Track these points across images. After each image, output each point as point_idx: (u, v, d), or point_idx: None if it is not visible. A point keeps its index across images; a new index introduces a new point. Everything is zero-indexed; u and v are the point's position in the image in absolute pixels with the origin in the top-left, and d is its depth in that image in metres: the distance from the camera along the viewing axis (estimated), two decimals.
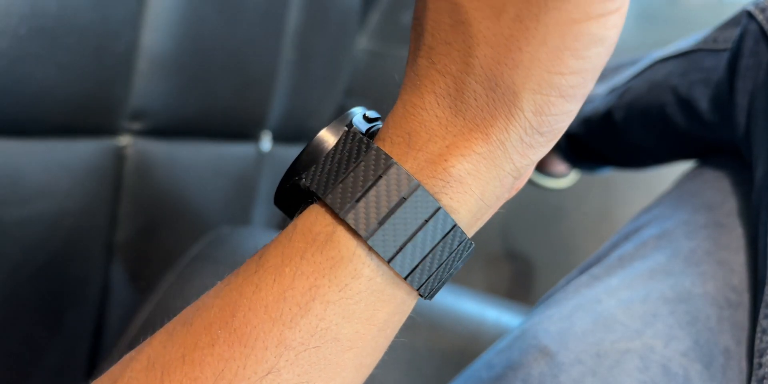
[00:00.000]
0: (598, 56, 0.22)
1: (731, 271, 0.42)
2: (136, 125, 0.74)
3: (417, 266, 0.24)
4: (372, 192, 0.23)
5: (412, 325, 0.56)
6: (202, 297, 0.26)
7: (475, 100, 0.23)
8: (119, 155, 0.73)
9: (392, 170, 0.23)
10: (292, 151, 1.04)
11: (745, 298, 0.41)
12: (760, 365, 0.38)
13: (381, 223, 0.23)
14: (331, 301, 0.23)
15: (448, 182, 0.23)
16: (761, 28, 0.44)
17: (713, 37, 0.53)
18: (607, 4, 0.20)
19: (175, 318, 0.25)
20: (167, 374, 0.23)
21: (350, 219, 0.23)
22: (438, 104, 0.23)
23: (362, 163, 0.23)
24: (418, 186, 0.23)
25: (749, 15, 0.45)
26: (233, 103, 0.88)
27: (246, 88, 0.89)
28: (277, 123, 1.00)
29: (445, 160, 0.23)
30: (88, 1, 0.61)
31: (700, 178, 0.49)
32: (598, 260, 0.46)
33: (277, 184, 0.27)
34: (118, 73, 0.69)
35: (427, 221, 0.23)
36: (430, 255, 0.24)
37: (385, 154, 0.23)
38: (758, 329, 0.38)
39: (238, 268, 0.26)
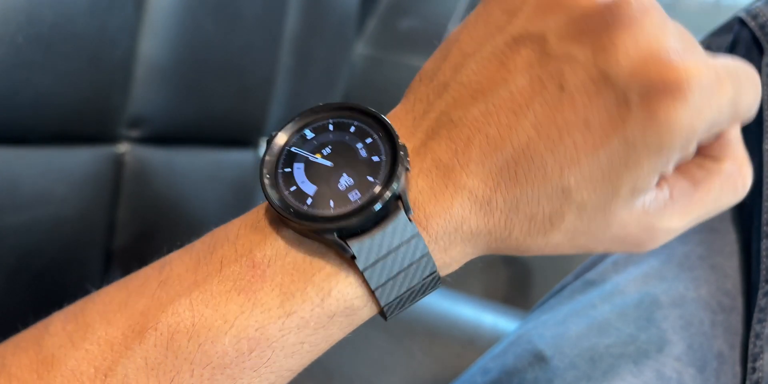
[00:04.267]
0: None
1: (725, 276, 0.42)
2: (134, 132, 0.74)
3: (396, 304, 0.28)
4: (410, 294, 0.27)
5: (410, 330, 0.56)
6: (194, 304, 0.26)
7: (518, 238, 0.27)
8: (117, 162, 0.73)
9: (433, 281, 0.27)
10: None
11: (738, 303, 0.41)
12: (754, 369, 0.38)
13: (402, 307, 0.28)
14: (336, 340, 0.28)
15: (454, 268, 0.29)
16: (753, 34, 0.44)
17: (707, 44, 0.53)
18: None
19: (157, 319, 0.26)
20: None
21: (388, 311, 0.27)
22: (481, 230, 0.27)
23: (414, 267, 0.26)
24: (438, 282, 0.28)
25: (741, 22, 0.45)
26: (231, 109, 0.89)
27: (244, 94, 0.90)
28: (276, 129, 1.00)
29: (462, 262, 0.28)
30: (84, 9, 0.61)
31: None
32: (592, 265, 0.46)
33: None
34: (116, 81, 0.69)
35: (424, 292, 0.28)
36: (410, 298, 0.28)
37: (433, 266, 0.27)
38: (752, 333, 0.39)
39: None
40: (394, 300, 0.27)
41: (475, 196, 0.26)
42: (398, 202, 0.26)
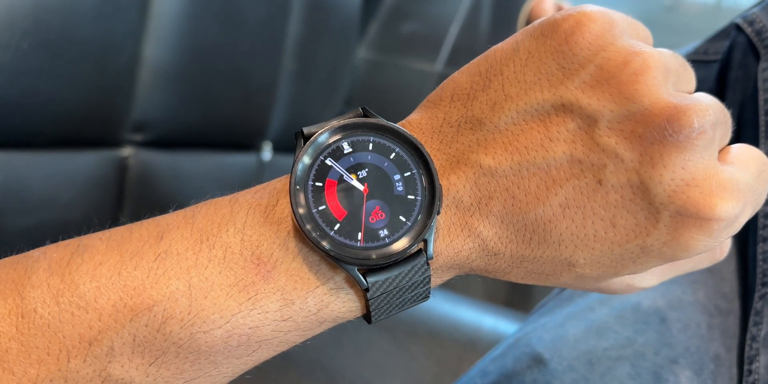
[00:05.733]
0: None
1: (722, 279, 0.43)
2: (138, 136, 0.75)
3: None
4: (399, 311, 0.28)
5: (411, 333, 0.57)
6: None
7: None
8: (121, 166, 0.74)
9: (423, 301, 0.29)
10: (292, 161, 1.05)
11: (735, 306, 0.42)
12: (750, 372, 0.38)
13: (388, 318, 0.28)
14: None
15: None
16: (749, 40, 0.45)
17: (704, 49, 0.54)
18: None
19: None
20: None
21: (375, 321, 0.28)
22: (481, 269, 0.28)
23: (412, 296, 0.27)
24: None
25: (737, 28, 0.46)
26: (234, 113, 0.89)
27: (247, 98, 0.90)
28: (278, 133, 1.01)
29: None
30: (90, 15, 0.62)
31: None
32: None
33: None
34: (121, 85, 0.70)
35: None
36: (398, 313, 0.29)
37: (428, 294, 0.28)
38: (748, 336, 0.39)
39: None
40: (383, 317, 0.28)
41: (486, 245, 0.26)
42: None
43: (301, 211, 0.25)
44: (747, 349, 0.39)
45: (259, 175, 0.99)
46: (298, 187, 0.25)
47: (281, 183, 0.28)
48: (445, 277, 0.28)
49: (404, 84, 1.23)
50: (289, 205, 0.26)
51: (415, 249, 0.26)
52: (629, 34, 0.26)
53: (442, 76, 1.27)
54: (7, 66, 0.56)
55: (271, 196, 0.27)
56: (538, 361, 0.40)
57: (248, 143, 0.96)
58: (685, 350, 0.39)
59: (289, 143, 1.04)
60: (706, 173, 0.24)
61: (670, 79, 0.25)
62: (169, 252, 0.26)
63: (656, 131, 0.24)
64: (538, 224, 0.26)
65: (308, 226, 0.25)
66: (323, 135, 0.26)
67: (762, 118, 0.43)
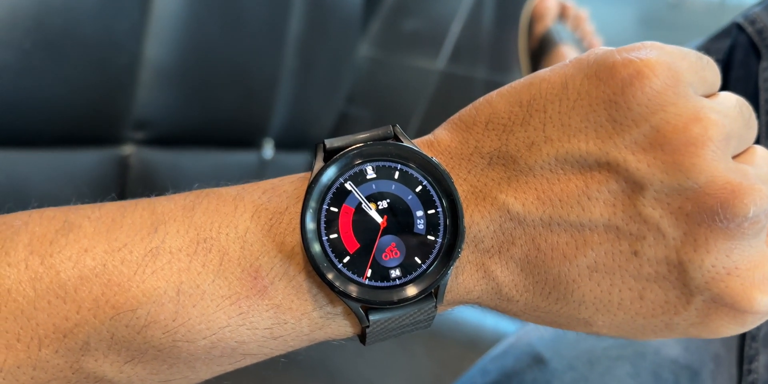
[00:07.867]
0: None
1: None
2: (140, 135, 0.75)
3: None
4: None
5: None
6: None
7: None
8: (123, 164, 0.74)
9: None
10: (293, 159, 1.05)
11: None
12: (750, 371, 0.38)
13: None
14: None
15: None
16: (750, 40, 0.45)
17: (705, 48, 0.54)
18: None
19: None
20: None
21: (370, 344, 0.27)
22: (489, 306, 0.27)
23: (409, 330, 0.26)
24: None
25: (739, 27, 0.46)
26: (235, 111, 0.89)
27: (248, 96, 0.91)
28: (279, 130, 1.01)
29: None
30: (91, 14, 0.62)
31: None
32: None
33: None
34: (122, 84, 0.70)
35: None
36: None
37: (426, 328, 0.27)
38: (747, 336, 0.39)
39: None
40: (378, 341, 0.27)
41: (501, 290, 0.25)
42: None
43: (315, 247, 0.24)
44: (746, 348, 0.39)
45: (261, 172, 0.99)
46: (311, 209, 0.24)
47: (293, 186, 0.26)
48: (448, 308, 0.27)
49: (406, 82, 1.23)
50: (298, 216, 0.24)
51: (426, 292, 0.24)
52: (696, 87, 0.24)
53: (444, 74, 1.27)
54: (9, 65, 0.56)
55: (280, 201, 0.25)
56: (538, 360, 0.40)
57: (249, 141, 0.97)
58: (684, 350, 0.39)
59: (291, 141, 1.04)
60: (750, 263, 0.23)
61: (730, 148, 0.23)
62: (162, 249, 0.24)
63: (706, 214, 0.22)
64: (560, 281, 0.24)
65: (317, 263, 0.23)
66: (349, 152, 0.24)
67: (763, 118, 0.43)
